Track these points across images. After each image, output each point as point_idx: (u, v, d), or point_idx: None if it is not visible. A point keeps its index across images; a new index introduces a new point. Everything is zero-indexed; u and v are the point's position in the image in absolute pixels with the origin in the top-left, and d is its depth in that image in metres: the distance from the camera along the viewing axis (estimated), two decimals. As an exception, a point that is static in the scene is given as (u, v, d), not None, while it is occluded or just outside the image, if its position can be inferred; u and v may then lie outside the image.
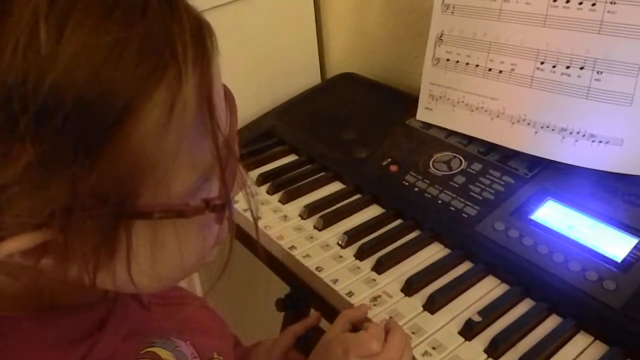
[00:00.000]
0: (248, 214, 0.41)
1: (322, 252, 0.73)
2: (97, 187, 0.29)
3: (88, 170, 0.29)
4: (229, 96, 0.37)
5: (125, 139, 0.29)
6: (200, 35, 0.32)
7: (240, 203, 0.49)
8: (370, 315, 0.63)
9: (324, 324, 0.71)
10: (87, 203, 0.29)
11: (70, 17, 0.27)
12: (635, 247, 0.64)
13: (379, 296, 0.66)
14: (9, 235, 0.29)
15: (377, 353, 0.54)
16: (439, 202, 0.76)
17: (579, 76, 0.73)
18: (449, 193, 0.77)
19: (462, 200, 0.75)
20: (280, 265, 0.76)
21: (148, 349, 0.40)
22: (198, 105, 0.32)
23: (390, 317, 0.62)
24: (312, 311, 0.81)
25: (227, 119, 0.37)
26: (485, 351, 0.58)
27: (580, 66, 0.73)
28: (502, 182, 0.76)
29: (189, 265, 0.38)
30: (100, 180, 0.29)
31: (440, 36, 0.88)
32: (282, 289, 0.86)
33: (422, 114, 0.91)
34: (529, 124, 0.78)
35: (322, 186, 0.86)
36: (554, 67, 0.75)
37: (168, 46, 0.30)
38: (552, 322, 0.61)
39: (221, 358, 0.48)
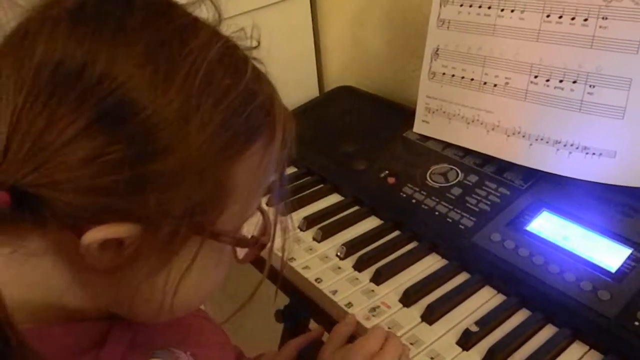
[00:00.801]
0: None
1: (321, 264, 0.74)
2: (195, 202, 0.35)
3: (196, 188, 0.35)
4: (289, 114, 0.44)
5: (236, 166, 0.36)
6: (286, 109, 0.41)
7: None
8: (368, 325, 0.64)
9: (326, 337, 0.71)
10: (181, 212, 0.34)
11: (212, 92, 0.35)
12: (629, 258, 0.65)
13: (378, 307, 0.67)
14: (105, 222, 0.33)
15: (376, 352, 0.56)
16: (436, 213, 0.77)
17: (572, 90, 0.74)
18: (446, 204, 0.78)
19: (459, 211, 0.76)
20: (276, 272, 0.77)
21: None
22: (277, 158, 0.40)
23: (388, 328, 0.63)
24: (312, 322, 0.82)
25: None
26: (483, 361, 0.59)
27: (573, 80, 0.74)
28: (498, 194, 0.78)
29: (216, 287, 0.43)
30: (200, 197, 0.35)
31: (436, 51, 0.90)
32: (281, 300, 0.87)
33: (419, 127, 0.93)
34: (523, 136, 0.79)
35: (320, 198, 0.87)
36: (547, 80, 0.77)
37: (272, 106, 0.39)
38: (547, 332, 0.62)
39: None
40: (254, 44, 0.42)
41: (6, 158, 0.31)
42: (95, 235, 0.33)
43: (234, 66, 0.36)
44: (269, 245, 0.44)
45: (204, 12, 0.39)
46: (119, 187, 0.32)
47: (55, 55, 0.32)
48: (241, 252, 0.43)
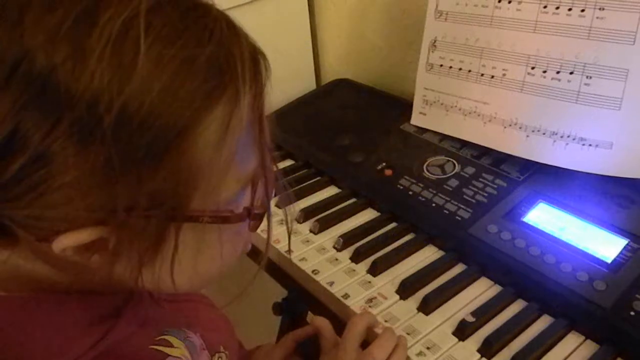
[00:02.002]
0: None
1: (318, 256, 0.74)
2: (157, 189, 0.32)
3: (151, 174, 0.31)
4: (268, 120, 0.40)
5: (187, 148, 0.32)
6: (256, 60, 0.36)
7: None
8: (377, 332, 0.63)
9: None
10: (146, 204, 0.32)
11: (151, 32, 0.31)
12: (624, 248, 0.65)
13: (374, 298, 0.67)
14: (68, 230, 0.32)
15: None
16: (433, 205, 0.77)
17: (569, 81, 0.74)
18: (443, 196, 0.78)
19: (456, 203, 0.77)
20: (277, 268, 0.77)
21: (162, 337, 0.42)
22: (251, 123, 0.35)
23: (385, 321, 0.62)
24: (310, 315, 0.82)
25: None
26: (479, 351, 0.59)
27: (570, 71, 0.74)
28: (495, 185, 0.78)
29: (223, 267, 0.41)
30: (160, 183, 0.32)
31: (434, 42, 0.90)
32: (279, 292, 0.87)
33: (416, 119, 0.93)
34: (520, 127, 0.79)
35: (318, 190, 0.87)
36: (544, 72, 0.77)
37: (229, 67, 0.33)
38: (544, 322, 0.62)
39: (227, 352, 0.49)
40: None
41: None
42: (63, 242, 0.33)
43: (164, 32, 0.31)
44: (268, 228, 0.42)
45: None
46: (77, 194, 0.31)
47: None
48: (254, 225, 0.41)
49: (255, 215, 0.38)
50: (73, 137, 0.29)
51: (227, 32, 0.34)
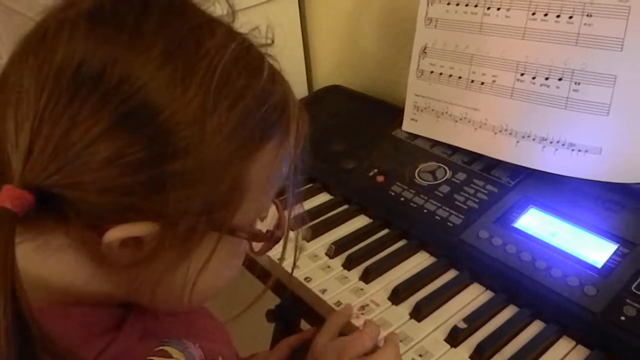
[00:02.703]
0: None
1: (311, 263, 0.74)
2: (212, 198, 0.36)
3: (215, 186, 0.35)
4: (302, 110, 0.44)
5: (253, 163, 0.37)
6: (299, 106, 0.41)
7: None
8: (357, 324, 0.64)
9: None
10: (198, 209, 0.35)
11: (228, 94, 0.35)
12: (614, 253, 0.65)
13: (367, 305, 0.67)
14: (120, 221, 0.34)
15: (370, 350, 0.56)
16: (425, 211, 0.78)
17: (557, 87, 0.75)
18: (434, 202, 0.78)
19: (447, 209, 0.77)
20: (269, 276, 0.77)
21: (161, 347, 0.42)
22: (291, 153, 0.40)
23: (395, 333, 0.62)
24: (303, 322, 0.82)
25: None
26: (471, 357, 0.60)
27: (558, 77, 0.75)
28: (486, 191, 0.78)
29: (233, 278, 0.45)
30: (217, 193, 0.36)
31: (424, 49, 0.90)
32: (272, 300, 0.87)
33: (408, 125, 0.93)
34: (510, 133, 0.80)
35: (310, 197, 0.87)
36: (533, 78, 0.77)
37: (286, 105, 0.39)
38: (535, 328, 0.63)
39: None
40: (268, 42, 0.42)
41: (29, 160, 0.32)
42: (115, 234, 0.34)
43: (250, 66, 0.37)
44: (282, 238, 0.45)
45: (218, 10, 0.41)
46: (139, 187, 0.33)
47: (76, 58, 0.33)
48: (257, 246, 0.45)
49: (276, 239, 0.43)
50: (195, 121, 0.34)
51: (279, 74, 0.41)
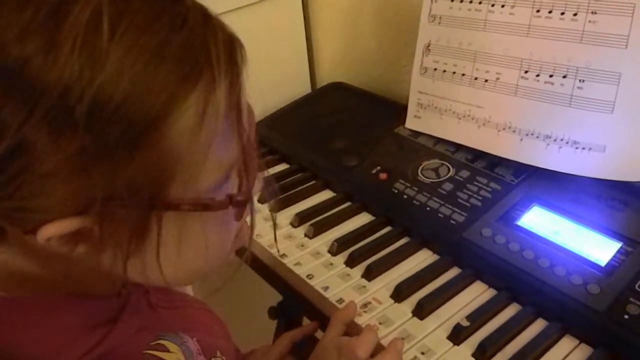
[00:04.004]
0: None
1: (313, 260, 0.74)
2: (134, 178, 0.32)
3: (127, 162, 0.31)
4: (249, 111, 0.40)
5: (162, 136, 0.32)
6: (232, 48, 0.35)
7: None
8: (360, 321, 0.64)
9: (319, 333, 0.71)
10: (124, 193, 0.32)
11: (122, 20, 0.31)
12: (618, 251, 0.65)
13: (369, 303, 0.67)
14: (51, 220, 0.32)
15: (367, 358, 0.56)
16: (428, 209, 0.78)
17: (561, 84, 0.75)
18: (437, 200, 0.78)
19: (450, 207, 0.77)
20: (271, 273, 0.77)
21: (158, 341, 0.42)
22: (228, 109, 0.35)
23: (402, 339, 0.61)
24: (305, 319, 0.82)
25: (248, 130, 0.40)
26: (473, 355, 0.60)
27: (563, 75, 0.75)
28: (489, 189, 0.78)
29: (211, 257, 0.41)
30: (136, 172, 0.32)
31: (428, 46, 0.90)
32: (274, 297, 0.87)
33: (411, 122, 0.93)
34: (514, 131, 0.80)
35: (312, 194, 0.87)
36: (537, 75, 0.77)
37: (204, 54, 0.33)
38: (538, 326, 0.62)
39: (224, 357, 0.49)
40: None
41: None
42: (46, 232, 0.33)
43: (138, 18, 0.31)
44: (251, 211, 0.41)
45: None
46: (50, 183, 0.31)
47: None
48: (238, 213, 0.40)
49: (237, 202, 0.38)
50: (47, 126, 0.30)
51: (201, 19, 0.34)
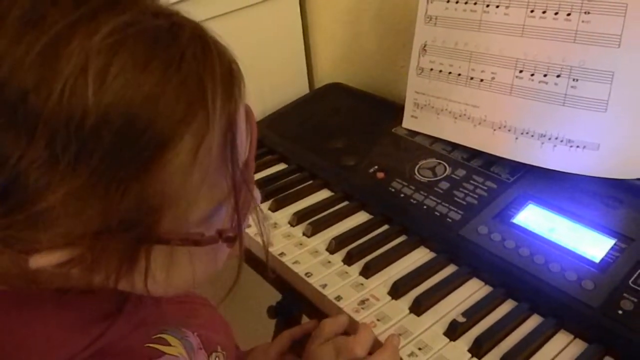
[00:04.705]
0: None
1: (311, 258, 0.75)
2: (126, 214, 0.32)
3: (119, 201, 0.32)
4: (249, 116, 0.39)
5: (155, 176, 0.32)
6: (229, 84, 0.35)
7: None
8: (358, 318, 0.65)
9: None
10: (115, 227, 0.32)
11: (113, 64, 0.30)
12: (612, 248, 0.66)
13: (367, 299, 0.68)
14: (42, 250, 0.33)
15: (361, 358, 0.57)
16: (425, 207, 0.78)
17: (555, 84, 0.76)
18: (434, 198, 0.79)
19: (447, 205, 0.77)
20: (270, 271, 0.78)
21: (159, 335, 0.43)
22: (222, 148, 0.35)
23: (398, 335, 0.62)
24: (304, 317, 0.83)
25: (247, 140, 0.40)
26: (470, 351, 0.60)
27: (557, 74, 0.76)
28: (485, 187, 0.79)
29: (199, 280, 0.41)
30: (129, 209, 0.32)
31: (424, 46, 0.91)
32: (273, 296, 0.88)
33: (408, 122, 0.94)
34: (509, 130, 0.80)
35: (310, 194, 0.88)
36: (532, 75, 0.78)
37: (199, 95, 0.33)
38: (533, 322, 0.63)
39: (224, 352, 0.50)
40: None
41: None
42: (38, 261, 0.33)
43: (131, 55, 0.31)
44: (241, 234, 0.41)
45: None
46: (46, 219, 0.32)
47: None
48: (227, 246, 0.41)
49: (227, 238, 0.38)
50: (44, 163, 0.30)
51: (200, 54, 0.33)
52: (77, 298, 0.39)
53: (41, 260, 0.33)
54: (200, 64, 0.33)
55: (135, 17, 0.32)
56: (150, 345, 0.41)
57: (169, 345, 0.43)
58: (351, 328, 0.64)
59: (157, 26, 0.33)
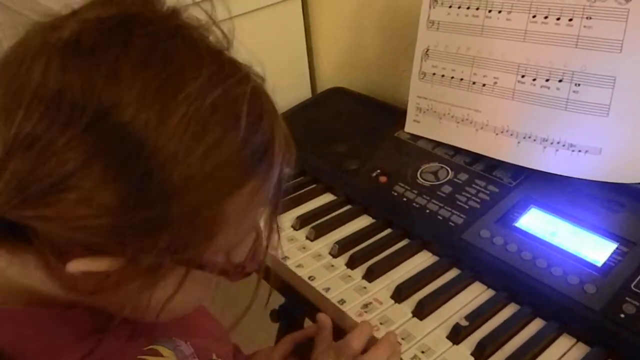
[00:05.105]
0: None
1: (315, 262, 0.75)
2: (180, 237, 0.35)
3: (180, 227, 0.35)
4: (290, 148, 0.43)
5: (224, 208, 0.36)
6: (288, 144, 0.41)
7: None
8: (361, 321, 0.65)
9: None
10: (164, 246, 0.35)
11: (211, 117, 0.35)
12: (614, 252, 0.66)
13: (370, 303, 0.68)
14: (85, 255, 0.34)
15: (358, 352, 0.58)
16: (427, 211, 0.79)
17: (557, 88, 0.76)
18: (437, 202, 0.79)
19: (449, 209, 0.78)
20: (273, 275, 0.78)
21: (151, 346, 0.43)
22: (271, 198, 0.41)
23: (392, 332, 0.63)
24: (307, 321, 0.83)
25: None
26: (472, 354, 0.61)
27: (559, 79, 0.76)
28: (487, 191, 0.79)
29: (193, 306, 0.46)
30: (186, 233, 0.35)
31: (426, 51, 0.91)
32: (276, 299, 0.88)
33: (410, 127, 0.94)
34: (512, 134, 0.81)
35: (313, 197, 0.88)
36: (534, 80, 0.78)
37: (267, 152, 0.38)
38: (536, 325, 0.63)
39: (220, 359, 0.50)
40: (259, 80, 0.41)
41: None
42: (78, 266, 0.34)
43: (229, 114, 0.35)
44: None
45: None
46: (109, 227, 0.33)
47: (50, 88, 0.32)
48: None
49: (245, 274, 0.43)
50: (123, 186, 0.32)
51: (272, 117, 0.39)
52: (66, 315, 0.40)
53: (80, 265, 0.34)
54: (273, 125, 0.39)
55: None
56: (142, 357, 0.41)
57: (161, 356, 0.42)
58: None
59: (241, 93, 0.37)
